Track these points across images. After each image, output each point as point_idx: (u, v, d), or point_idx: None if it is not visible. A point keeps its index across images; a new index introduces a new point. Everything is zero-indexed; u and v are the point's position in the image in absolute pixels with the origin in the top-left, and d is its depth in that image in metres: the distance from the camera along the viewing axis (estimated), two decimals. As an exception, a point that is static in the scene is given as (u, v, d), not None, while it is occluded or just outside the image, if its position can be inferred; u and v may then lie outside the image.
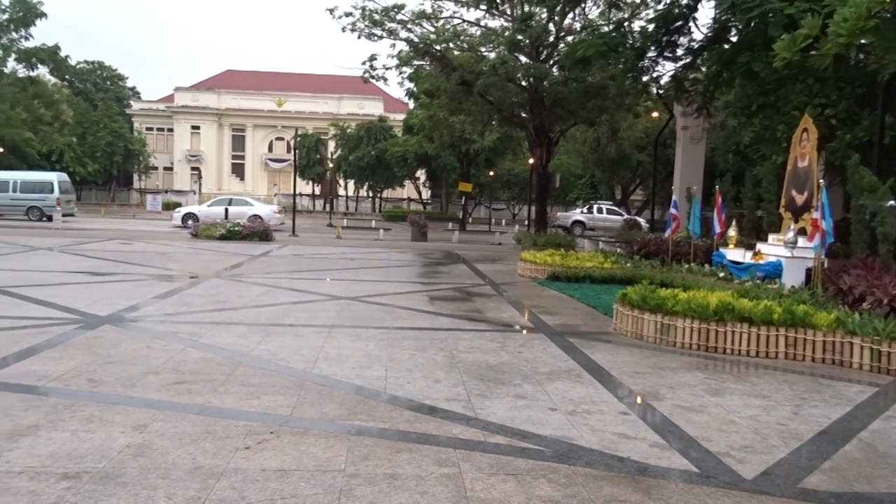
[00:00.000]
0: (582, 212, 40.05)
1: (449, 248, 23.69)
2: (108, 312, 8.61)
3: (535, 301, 11.28)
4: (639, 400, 5.69)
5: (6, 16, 39.49)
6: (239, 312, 9.14)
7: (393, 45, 23.41)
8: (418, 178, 53.17)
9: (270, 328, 8.05)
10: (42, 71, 45.37)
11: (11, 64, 41.39)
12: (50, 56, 41.57)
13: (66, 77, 60.40)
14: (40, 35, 48.64)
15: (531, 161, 29.76)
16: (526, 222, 37.14)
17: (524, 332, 8.69)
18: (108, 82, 75.12)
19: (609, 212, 39.36)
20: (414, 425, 4.77)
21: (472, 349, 7.29)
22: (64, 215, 30.01)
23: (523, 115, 25.53)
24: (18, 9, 39.30)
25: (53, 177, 32.13)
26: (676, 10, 15.43)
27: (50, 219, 29.45)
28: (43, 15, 39.95)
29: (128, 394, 5.27)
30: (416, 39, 22.93)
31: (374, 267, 16.29)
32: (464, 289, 12.72)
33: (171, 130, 66.84)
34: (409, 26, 22.90)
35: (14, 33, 40.20)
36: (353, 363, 6.48)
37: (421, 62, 24.30)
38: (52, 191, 30.77)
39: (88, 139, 51.83)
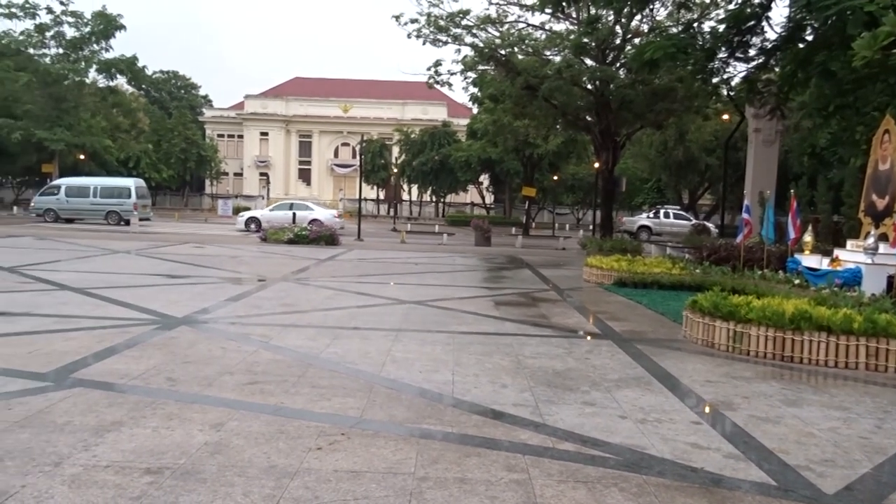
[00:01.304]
0: (648, 216, 39.32)
1: (512, 252, 23.61)
2: (183, 314, 8.91)
3: (602, 307, 11.14)
4: (711, 409, 5.56)
5: (88, 28, 41.37)
6: (307, 315, 9.32)
7: (458, 51, 23.51)
8: (481, 183, 53.21)
9: (338, 331, 8.18)
10: (120, 81, 47.35)
11: (92, 74, 43.38)
12: (128, 67, 43.33)
13: (143, 86, 62.88)
14: (119, 46, 50.77)
15: (596, 165, 29.44)
16: (591, 227, 36.70)
17: (591, 338, 8.59)
18: (182, 91, 77.83)
19: (676, 216, 38.56)
20: (482, 430, 4.78)
21: (539, 355, 7.25)
22: (140, 219, 31.24)
23: (588, 118, 25.28)
24: (100, 22, 41.14)
25: (131, 182, 33.40)
26: (748, 10, 14.99)
27: (127, 223, 30.65)
28: (122, 27, 41.73)
29: (204, 393, 5.44)
30: (480, 44, 22.96)
31: (438, 271, 16.37)
32: (528, 294, 12.66)
33: (241, 137, 68.69)
34: (473, 31, 22.96)
35: (95, 45, 42.10)
36: (419, 367, 6.53)
37: (485, 67, 24.31)
38: (129, 196, 31.98)
39: (163, 146, 53.74)
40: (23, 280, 11.80)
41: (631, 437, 4.74)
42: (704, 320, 8.08)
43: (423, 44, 23.22)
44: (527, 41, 23.40)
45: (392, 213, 49.24)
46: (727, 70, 17.48)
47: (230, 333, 7.81)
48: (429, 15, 22.53)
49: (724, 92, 20.71)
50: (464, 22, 22.59)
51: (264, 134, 68.09)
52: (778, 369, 7.05)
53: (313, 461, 4.09)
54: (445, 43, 23.06)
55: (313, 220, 27.73)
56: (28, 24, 41.00)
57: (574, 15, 23.21)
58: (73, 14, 41.08)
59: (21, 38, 41.06)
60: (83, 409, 4.88)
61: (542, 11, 22.49)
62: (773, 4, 15.00)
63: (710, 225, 36.26)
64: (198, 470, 3.90)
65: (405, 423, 4.87)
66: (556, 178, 44.42)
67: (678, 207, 42.10)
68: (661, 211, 39.54)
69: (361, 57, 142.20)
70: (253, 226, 28.98)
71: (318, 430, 4.63)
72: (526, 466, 4.12)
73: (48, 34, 41.40)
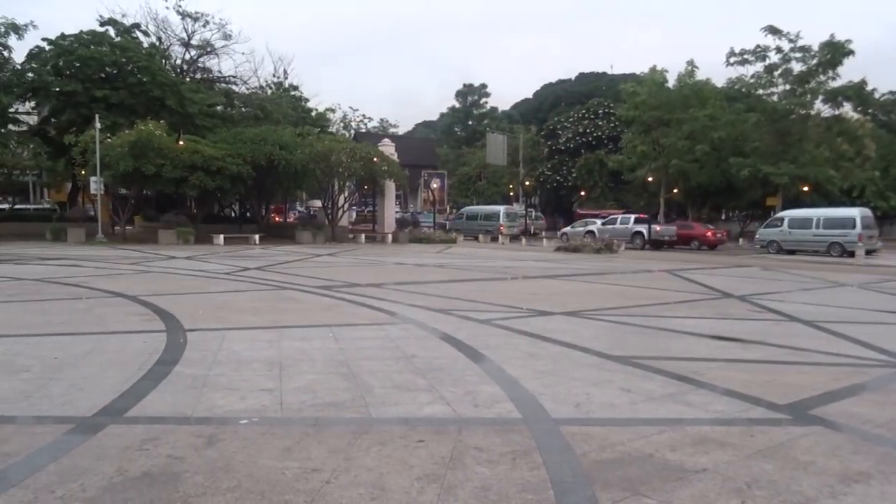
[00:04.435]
0: None
1: None
2: (929, 360, 7.79)
3: None
4: None
5: (815, 60, 41.39)
6: None
7: None
8: None
9: None
10: (846, 108, 45.78)
11: (817, 105, 43.15)
12: (855, 93, 41.62)
13: (869, 111, 59.35)
14: (845, 73, 49.16)
15: None
16: None
17: None
18: None
19: None
20: None
21: None
22: (867, 251, 29.33)
23: None
24: (827, 52, 40.68)
25: (856, 212, 31.82)
26: None
27: (851, 254, 29.23)
28: (850, 53, 40.33)
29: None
30: None
31: None
32: None
33: None
34: None
35: (822, 76, 41.79)
36: None
37: None
38: (853, 226, 30.51)
39: (892, 172, 49.54)
40: (753, 309, 12.37)
41: None
42: None
43: None
44: None
45: None
46: None
47: None
48: None
49: None
50: None
51: None
52: None
53: None
54: None
55: None
56: (758, 66, 43.64)
57: None
58: (801, 49, 41.74)
59: (751, 80, 43.93)
60: (826, 451, 4.66)
61: None
62: None
63: None
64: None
65: None
66: None
67: None
68: None
69: None
70: None
71: None
72: None
73: (776, 73, 43.12)
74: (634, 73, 60.50)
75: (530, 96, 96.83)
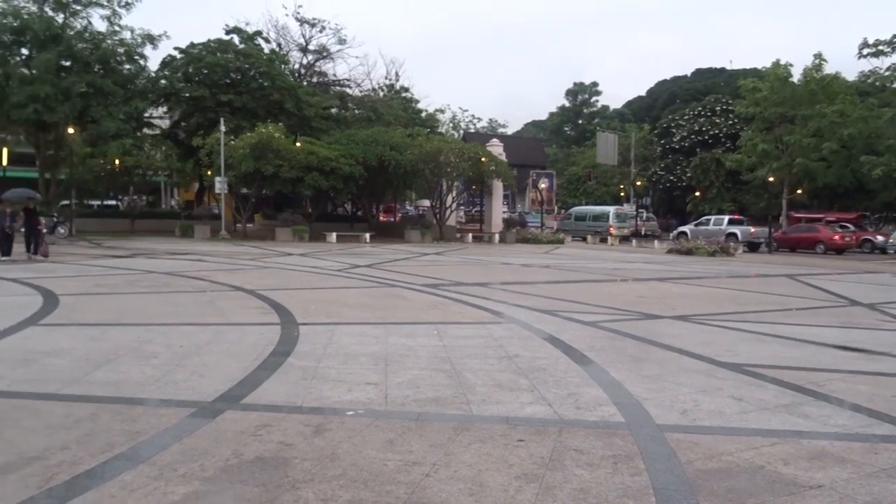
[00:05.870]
0: None
1: None
2: None
3: None
4: None
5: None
6: None
7: None
8: None
9: None
10: None
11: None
12: None
13: None
14: None
15: None
16: None
17: None
18: None
19: None
20: None
21: None
22: None
23: None
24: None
25: None
26: None
27: None
28: None
29: None
30: None
31: None
32: None
33: None
34: None
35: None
36: None
37: None
38: None
39: None
40: (883, 318, 11.56)
41: None
42: None
43: None
44: None
45: None
46: None
47: None
48: None
49: None
50: None
51: None
52: None
53: None
54: None
55: None
56: (894, 58, 40.69)
57: None
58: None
59: (886, 73, 41.01)
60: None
61: None
62: None
63: None
64: None
65: None
66: None
67: None
68: None
69: None
70: None
71: None
72: None
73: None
74: (755, 69, 57.76)
75: (643, 94, 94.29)
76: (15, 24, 31.32)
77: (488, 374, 6.58)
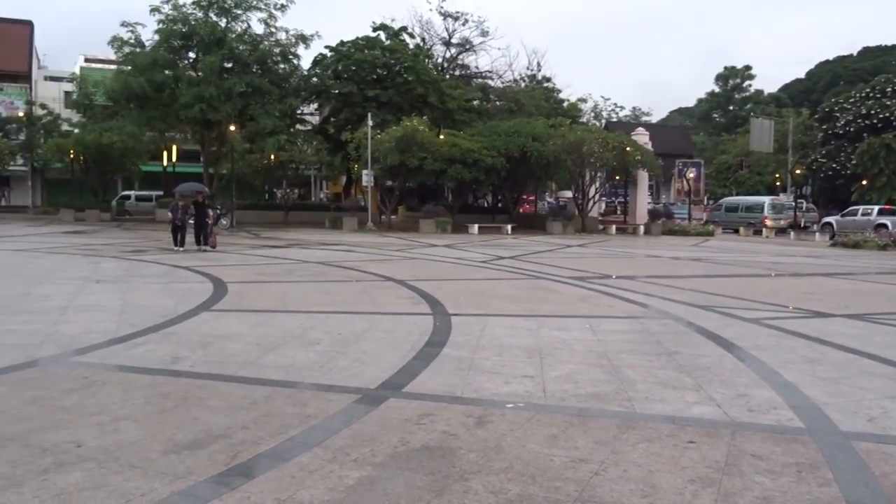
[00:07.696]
0: None
1: None
2: None
3: None
4: None
5: None
6: None
7: None
8: None
9: None
10: None
11: None
12: None
13: None
14: None
15: None
16: None
17: None
18: None
19: None
20: None
21: None
22: None
23: None
24: None
25: None
26: None
27: None
28: None
29: None
30: None
31: None
32: None
33: None
34: None
35: None
36: None
37: None
38: None
39: None
40: None
41: None
42: None
43: None
44: None
45: None
46: None
47: None
48: None
49: None
50: None
51: None
52: None
53: None
54: None
55: None
56: None
57: None
58: None
59: None
60: None
61: None
62: None
63: None
64: None
65: None
66: None
67: None
68: None
69: None
70: None
71: None
72: None
73: None
74: (934, 44, 52.35)
75: (802, 76, 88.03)
76: (184, 30, 33.88)
77: (648, 371, 6.35)
